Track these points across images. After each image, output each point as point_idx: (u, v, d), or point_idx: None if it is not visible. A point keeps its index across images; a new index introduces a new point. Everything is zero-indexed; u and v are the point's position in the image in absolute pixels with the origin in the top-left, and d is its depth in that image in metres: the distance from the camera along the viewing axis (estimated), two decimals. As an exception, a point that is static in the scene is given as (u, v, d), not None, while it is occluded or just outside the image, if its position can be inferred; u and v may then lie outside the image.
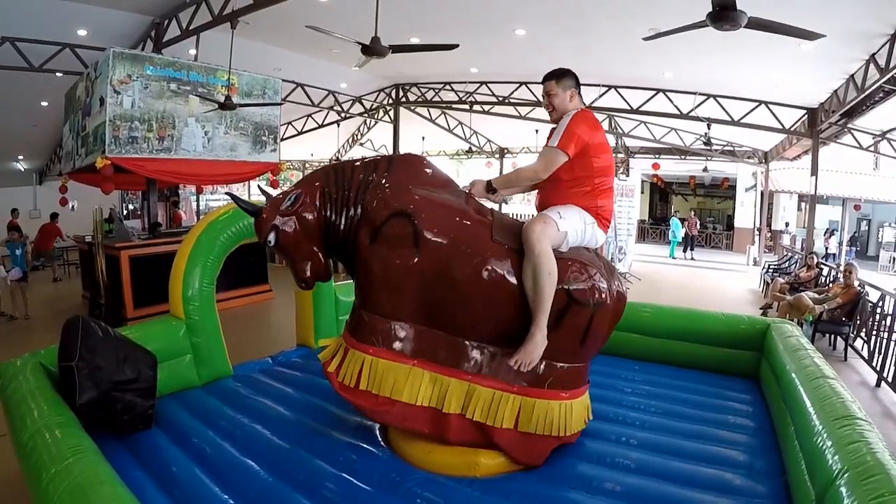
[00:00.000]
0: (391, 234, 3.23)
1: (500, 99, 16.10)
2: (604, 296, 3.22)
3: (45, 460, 2.55)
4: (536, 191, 3.61)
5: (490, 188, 3.54)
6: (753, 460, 3.43)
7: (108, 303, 8.34)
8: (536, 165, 3.38)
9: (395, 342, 3.31)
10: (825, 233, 24.58)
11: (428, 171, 3.60)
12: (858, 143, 14.26)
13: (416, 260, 3.19)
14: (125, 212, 19.39)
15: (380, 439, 3.59)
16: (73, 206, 15.12)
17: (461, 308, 3.22)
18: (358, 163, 3.59)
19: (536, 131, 19.62)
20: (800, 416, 3.23)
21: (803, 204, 22.65)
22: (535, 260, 3.05)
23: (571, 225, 3.28)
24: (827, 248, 23.22)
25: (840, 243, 21.57)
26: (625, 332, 5.39)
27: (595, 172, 3.38)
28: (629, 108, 14.78)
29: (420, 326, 3.32)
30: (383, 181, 3.40)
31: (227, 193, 3.99)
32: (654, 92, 14.10)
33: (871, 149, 14.62)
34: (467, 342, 3.31)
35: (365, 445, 3.50)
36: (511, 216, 3.79)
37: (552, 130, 3.40)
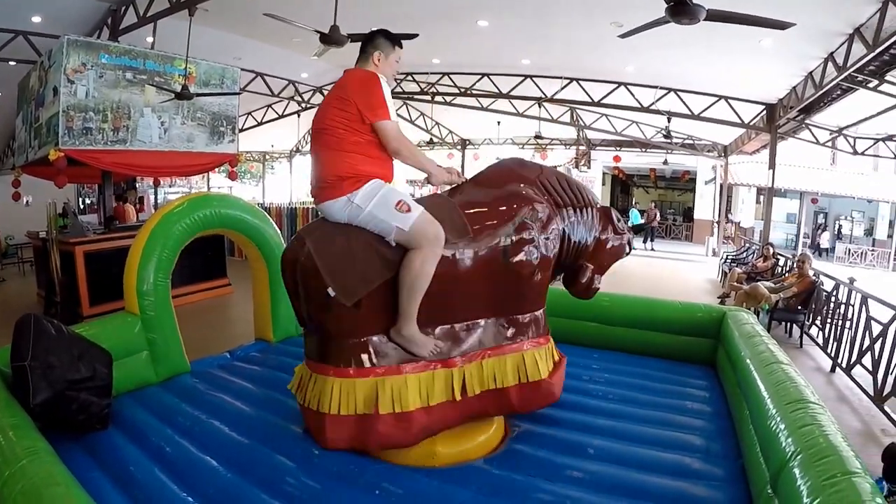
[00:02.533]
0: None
1: (463, 90, 16.10)
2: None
3: None
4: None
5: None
6: (710, 444, 3.49)
7: (64, 300, 8.09)
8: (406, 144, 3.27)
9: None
10: (817, 228, 25.12)
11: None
12: (816, 138, 14.59)
13: None
14: (82, 206, 18.95)
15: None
16: (27, 202, 14.72)
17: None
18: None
19: (499, 123, 19.71)
20: (754, 400, 3.29)
21: (762, 197, 23.09)
22: None
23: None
24: (819, 244, 23.72)
25: (796, 234, 22.02)
26: (583, 320, 5.48)
27: None
28: (591, 100, 14.89)
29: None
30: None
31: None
32: (615, 85, 14.22)
33: (829, 144, 14.96)
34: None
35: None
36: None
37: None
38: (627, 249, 3.93)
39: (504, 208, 3.34)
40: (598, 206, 3.80)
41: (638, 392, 4.32)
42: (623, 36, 6.24)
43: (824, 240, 24.95)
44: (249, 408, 3.97)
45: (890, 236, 23.96)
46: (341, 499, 2.86)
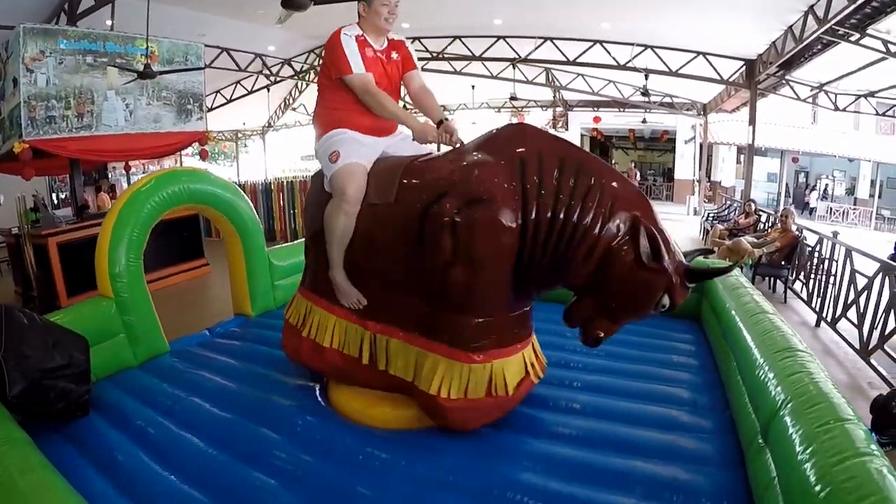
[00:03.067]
0: None
1: (434, 54, 15.89)
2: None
3: None
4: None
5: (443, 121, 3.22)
6: (697, 397, 3.46)
7: (41, 294, 7.94)
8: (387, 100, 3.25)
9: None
10: (805, 187, 25.18)
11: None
12: (796, 94, 14.53)
13: None
14: (56, 201, 18.65)
15: (321, 400, 3.54)
16: (-2, 201, 14.54)
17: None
18: None
19: (473, 87, 19.49)
20: (741, 351, 3.26)
21: (742, 156, 23.09)
22: None
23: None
24: (807, 203, 23.77)
25: (779, 194, 22.10)
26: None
27: None
28: (566, 59, 14.70)
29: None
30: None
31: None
32: (591, 43, 14.03)
33: (809, 100, 14.90)
34: None
35: (308, 408, 3.44)
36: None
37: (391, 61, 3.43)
38: (665, 300, 2.69)
39: (437, 183, 2.88)
40: (626, 215, 2.72)
41: (623, 347, 4.26)
42: None
43: (812, 199, 24.92)
44: (232, 383, 3.91)
45: (871, 195, 23.98)
46: (326, 468, 2.83)
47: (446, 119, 3.17)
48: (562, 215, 2.65)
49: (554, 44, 14.36)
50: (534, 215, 2.67)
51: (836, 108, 14.79)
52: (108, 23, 10.13)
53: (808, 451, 2.00)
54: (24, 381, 3.20)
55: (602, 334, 2.77)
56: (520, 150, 2.78)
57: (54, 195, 18.27)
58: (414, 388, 3.04)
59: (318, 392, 3.63)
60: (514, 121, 22.22)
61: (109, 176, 14.16)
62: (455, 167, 2.87)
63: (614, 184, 2.74)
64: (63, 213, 10.33)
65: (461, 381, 2.87)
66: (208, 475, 2.82)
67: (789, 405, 2.33)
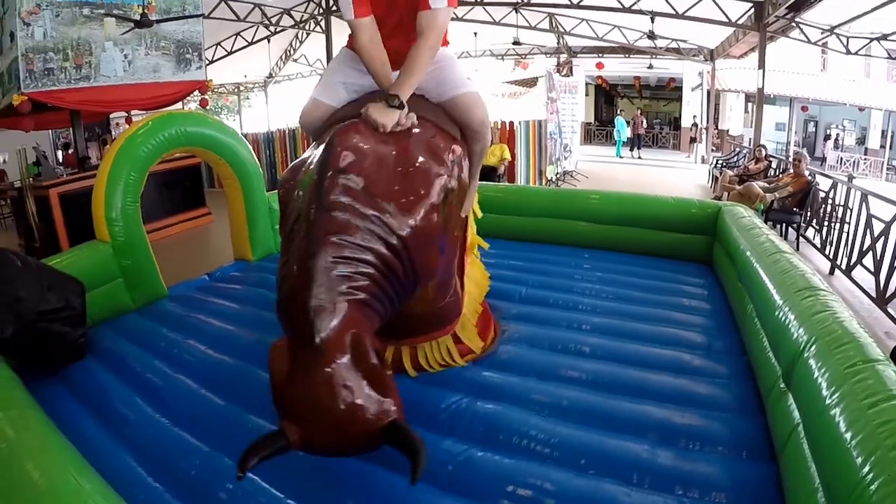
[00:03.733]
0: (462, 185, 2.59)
1: (436, 0, 15.53)
2: None
3: None
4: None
5: (399, 105, 2.33)
6: (712, 341, 3.35)
7: (43, 245, 7.98)
8: (429, 39, 2.44)
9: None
10: (824, 138, 24.82)
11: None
12: (807, 37, 14.10)
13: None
14: (60, 157, 18.65)
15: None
16: (3, 159, 14.64)
17: None
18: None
19: (475, 34, 19.18)
20: (759, 292, 3.12)
21: (750, 105, 22.79)
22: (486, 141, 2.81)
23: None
24: (825, 156, 23.42)
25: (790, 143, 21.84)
26: (572, 219, 5.30)
27: None
28: (569, 3, 14.40)
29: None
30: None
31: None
32: (595, -17, 13.68)
33: (820, 44, 14.54)
34: None
35: None
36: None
37: None
38: None
39: None
40: None
41: (632, 290, 4.17)
42: None
43: (829, 149, 24.47)
44: (231, 325, 3.85)
45: (882, 146, 23.60)
46: None
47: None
48: None
49: (558, -14, 14.03)
50: None
51: (848, 52, 14.36)
52: (106, -26, 9.90)
53: (836, 395, 1.86)
54: (16, 324, 3.17)
55: None
56: None
57: (59, 152, 18.27)
58: None
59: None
60: (518, 70, 21.94)
61: (113, 131, 14.16)
62: None
63: None
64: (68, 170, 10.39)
65: None
66: (202, 417, 2.78)
67: (813, 347, 2.19)
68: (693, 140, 22.24)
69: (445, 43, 2.77)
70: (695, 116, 22.55)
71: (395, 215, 2.14)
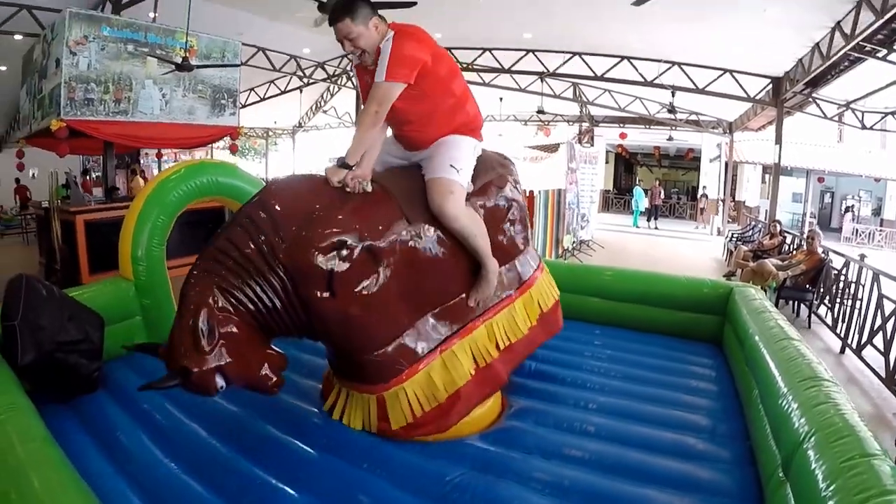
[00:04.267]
0: (353, 270, 2.74)
1: (464, 65, 15.80)
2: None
3: None
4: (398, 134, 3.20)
5: (345, 166, 2.81)
6: (717, 424, 3.34)
7: (63, 268, 8.11)
8: (369, 107, 2.80)
9: (415, 349, 3.02)
10: (843, 210, 24.81)
11: (306, 187, 2.93)
12: (823, 112, 14.35)
13: (382, 276, 2.83)
14: (87, 179, 18.97)
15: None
16: (32, 174, 14.92)
17: (427, 283, 3.04)
18: (231, 235, 2.74)
19: (501, 99, 19.51)
20: (764, 378, 3.14)
21: (767, 175, 22.89)
22: (462, 232, 2.93)
23: (467, 167, 3.03)
24: (841, 227, 23.33)
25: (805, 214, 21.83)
26: (585, 295, 5.32)
27: (446, 82, 3.01)
28: (594, 74, 14.69)
29: (419, 318, 3.07)
30: (283, 232, 2.68)
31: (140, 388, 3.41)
32: (618, 59, 14.06)
33: (836, 119, 14.74)
34: (456, 300, 3.17)
35: (312, 408, 3.39)
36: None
37: (372, 72, 2.86)
38: None
39: None
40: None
41: (641, 369, 4.18)
42: (637, 3, 6.03)
43: (847, 222, 24.34)
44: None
45: (898, 217, 23.60)
46: (330, 470, 2.78)
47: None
48: None
49: (582, 59, 14.41)
50: None
51: (864, 127, 14.56)
52: (151, 15, 10.39)
53: (831, 488, 1.90)
54: (36, 351, 3.25)
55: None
56: None
57: (87, 175, 18.63)
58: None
59: (322, 394, 3.57)
60: (541, 135, 22.25)
61: (141, 161, 14.47)
62: None
63: None
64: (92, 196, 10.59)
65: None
66: (208, 466, 2.81)
67: (813, 438, 2.22)
68: (703, 210, 22.41)
69: (470, 132, 3.10)
70: (704, 187, 22.75)
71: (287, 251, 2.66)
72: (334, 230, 2.67)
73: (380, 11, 2.88)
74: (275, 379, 2.75)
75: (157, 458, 2.85)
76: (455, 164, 2.93)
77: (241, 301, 2.65)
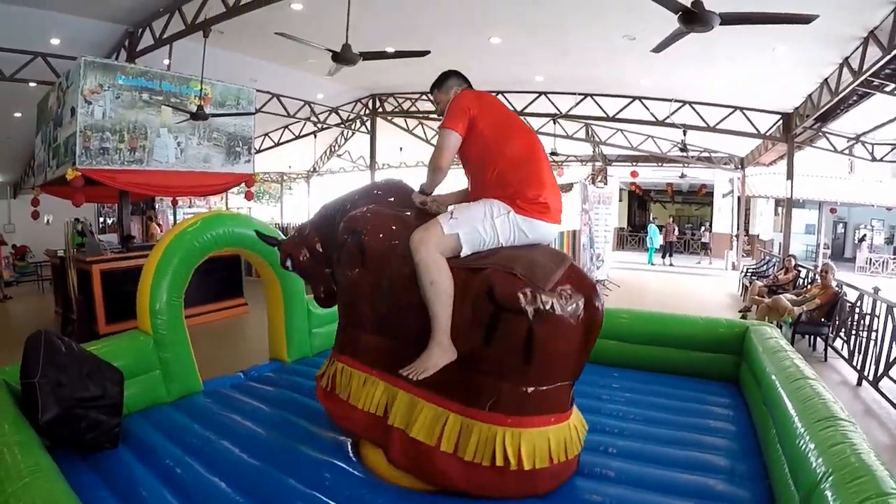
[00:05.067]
0: (346, 252, 3.45)
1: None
2: (546, 304, 2.79)
3: (1, 479, 2.45)
4: None
5: (423, 192, 3.42)
6: (735, 465, 3.37)
7: (80, 318, 8.16)
8: (433, 153, 3.21)
9: (358, 351, 3.46)
10: (859, 239, 24.69)
11: (402, 191, 3.68)
12: (833, 146, 14.47)
13: (362, 272, 3.35)
14: (101, 225, 19.18)
15: (352, 455, 3.49)
16: (47, 220, 15.06)
17: (402, 316, 3.15)
18: (347, 195, 3.91)
19: (514, 140, 19.64)
20: (781, 418, 3.17)
21: (780, 208, 22.86)
22: (417, 269, 2.93)
23: (466, 223, 3.00)
24: (855, 257, 23.15)
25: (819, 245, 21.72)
26: (602, 338, 5.33)
27: (494, 150, 3.11)
28: (606, 115, 14.88)
29: (377, 336, 3.34)
30: (354, 206, 3.64)
31: (255, 232, 4.12)
32: (630, 99, 14.23)
33: (846, 152, 14.82)
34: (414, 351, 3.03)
35: (337, 462, 3.39)
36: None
37: None
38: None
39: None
40: None
41: (659, 411, 4.21)
42: (656, 50, 6.12)
43: (863, 252, 24.15)
44: (261, 428, 3.91)
45: (912, 245, 23.43)
46: None
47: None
48: None
49: (594, 100, 14.58)
50: None
51: (874, 159, 14.66)
52: (166, 62, 10.53)
53: None
54: (56, 408, 3.28)
55: None
56: None
57: (101, 219, 18.86)
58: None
59: (349, 447, 3.59)
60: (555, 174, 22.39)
61: (156, 206, 14.63)
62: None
63: None
64: (107, 238, 10.64)
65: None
66: None
67: (830, 478, 2.26)
68: (707, 245, 22.43)
69: (506, 199, 3.07)
70: (705, 223, 22.77)
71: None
72: (356, 223, 3.44)
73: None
74: (322, 294, 4.02)
75: None
76: (455, 213, 3.08)
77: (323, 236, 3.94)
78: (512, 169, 3.07)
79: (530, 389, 2.86)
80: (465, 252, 2.98)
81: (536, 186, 3.06)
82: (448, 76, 3.45)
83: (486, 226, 3.00)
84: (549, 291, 2.81)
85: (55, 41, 10.34)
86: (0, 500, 2.33)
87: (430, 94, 3.52)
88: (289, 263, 4.01)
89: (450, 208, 3.21)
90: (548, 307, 2.77)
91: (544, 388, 2.88)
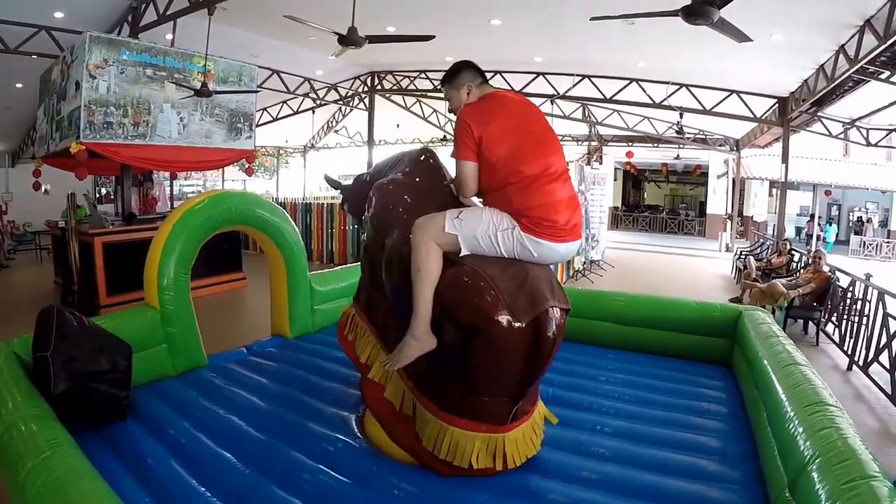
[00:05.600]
0: (368, 217, 3.61)
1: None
2: (496, 319, 2.70)
3: (21, 454, 2.49)
4: None
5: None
6: (727, 446, 3.47)
7: (81, 290, 8.22)
8: (458, 185, 3.14)
9: (365, 305, 3.76)
10: (859, 221, 24.79)
11: (428, 165, 3.62)
12: (828, 130, 14.53)
13: (375, 240, 3.47)
14: (98, 196, 19.14)
15: (356, 431, 3.57)
16: (45, 190, 15.04)
17: (397, 296, 3.21)
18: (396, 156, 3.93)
19: (511, 119, 19.64)
20: (772, 402, 3.27)
21: (775, 190, 22.97)
22: (412, 252, 2.91)
23: (468, 228, 2.90)
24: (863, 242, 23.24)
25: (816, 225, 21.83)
26: (598, 320, 5.49)
27: (501, 175, 2.93)
28: (602, 97, 14.92)
29: (377, 300, 3.59)
30: (394, 171, 3.70)
31: (325, 177, 4.33)
32: (627, 81, 14.27)
33: (841, 136, 14.89)
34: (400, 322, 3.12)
35: (342, 437, 3.47)
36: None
37: None
38: None
39: None
40: None
41: (653, 393, 4.31)
42: (596, 18, 6.27)
43: (870, 233, 24.18)
44: (266, 403, 4.00)
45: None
46: (357, 497, 2.87)
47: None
48: None
49: (591, 81, 14.64)
50: None
51: (868, 144, 14.76)
52: (169, 37, 10.55)
53: None
54: (68, 382, 3.35)
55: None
56: None
57: (97, 190, 18.86)
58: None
59: (353, 422, 3.68)
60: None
61: (154, 178, 14.59)
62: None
63: None
64: (103, 208, 10.70)
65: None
66: (240, 493, 2.88)
67: (817, 461, 2.35)
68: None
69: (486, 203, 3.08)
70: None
71: None
72: (376, 189, 3.58)
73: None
74: None
75: (189, 485, 2.92)
76: (464, 213, 2.98)
77: None
78: (518, 192, 2.90)
79: (463, 394, 2.93)
80: (463, 253, 2.92)
81: (545, 209, 2.87)
82: (460, 70, 3.21)
83: (489, 236, 2.90)
84: (503, 308, 2.71)
85: (59, 14, 10.29)
86: (21, 474, 2.37)
87: (441, 88, 3.33)
88: (345, 206, 4.42)
89: (465, 208, 3.07)
90: (492, 324, 2.70)
91: (477, 397, 2.91)
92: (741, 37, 5.34)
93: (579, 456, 3.30)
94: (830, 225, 23.44)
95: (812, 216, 22.94)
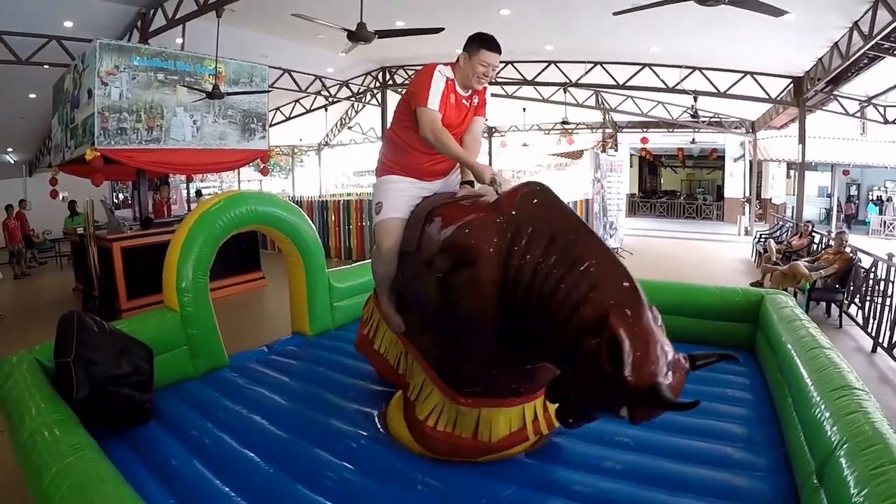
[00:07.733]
0: None
1: (488, 77, 15.98)
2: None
3: (45, 459, 2.51)
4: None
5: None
6: (752, 433, 3.43)
7: (101, 295, 8.31)
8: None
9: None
10: (884, 201, 24.46)
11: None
12: (845, 109, 14.36)
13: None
14: (116, 201, 19.31)
15: (379, 426, 3.59)
16: (63, 197, 15.18)
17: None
18: None
19: (524, 109, 19.60)
20: (797, 387, 3.23)
21: (792, 172, 22.69)
22: None
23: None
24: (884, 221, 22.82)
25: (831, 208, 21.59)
26: (619, 308, 5.42)
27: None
28: (615, 83, 14.81)
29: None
30: None
31: None
32: (639, 67, 14.11)
33: (858, 115, 14.68)
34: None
35: (364, 433, 3.49)
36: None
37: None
38: (623, 412, 2.25)
39: (440, 239, 2.98)
40: (601, 307, 2.38)
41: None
42: (618, 13, 6.22)
43: (890, 214, 23.81)
44: (288, 402, 4.03)
45: (926, 206, 23.18)
46: (382, 494, 2.88)
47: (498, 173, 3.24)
48: (537, 290, 2.51)
49: (604, 68, 14.50)
50: (513, 283, 2.61)
51: (886, 122, 14.52)
52: (179, 41, 10.59)
53: (862, 494, 2.01)
54: (90, 387, 3.38)
55: (571, 420, 2.43)
56: (515, 214, 2.71)
57: (114, 195, 19.03)
58: (410, 406, 3.34)
59: (376, 418, 3.69)
60: (564, 142, 22.29)
61: (170, 182, 14.70)
62: (454, 225, 2.90)
63: (601, 270, 2.50)
64: (121, 213, 10.77)
65: (449, 417, 3.11)
66: (265, 492, 2.91)
67: (845, 446, 2.32)
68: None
69: None
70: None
71: None
72: None
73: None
74: None
75: (214, 486, 2.95)
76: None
77: None
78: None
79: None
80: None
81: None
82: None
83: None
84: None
85: (68, 24, 10.37)
86: (45, 479, 2.39)
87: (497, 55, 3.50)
88: None
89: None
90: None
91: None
92: (775, 12, 5.23)
93: (602, 446, 3.29)
94: (875, 205, 23.10)
95: (849, 197, 22.66)
